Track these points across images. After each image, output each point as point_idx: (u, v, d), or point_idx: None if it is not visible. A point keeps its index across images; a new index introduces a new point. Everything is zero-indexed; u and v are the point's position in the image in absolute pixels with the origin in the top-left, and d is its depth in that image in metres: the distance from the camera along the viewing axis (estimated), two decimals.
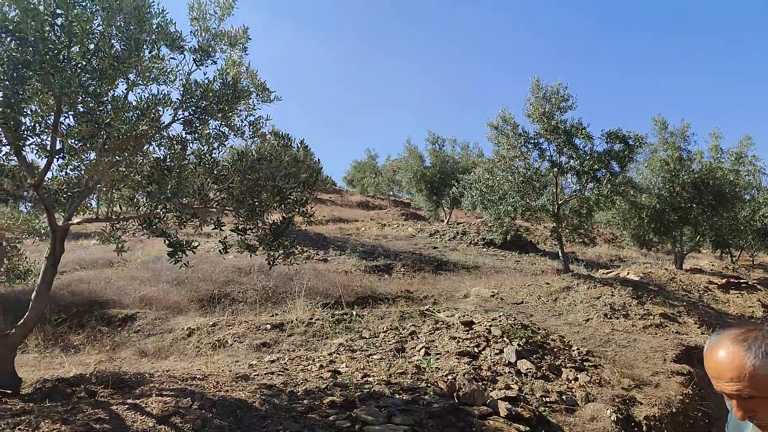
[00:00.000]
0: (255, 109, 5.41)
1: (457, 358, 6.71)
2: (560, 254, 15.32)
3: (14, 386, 4.66)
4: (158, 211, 4.86)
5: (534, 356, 7.16)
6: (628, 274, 15.64)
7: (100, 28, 4.30)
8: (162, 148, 5.27)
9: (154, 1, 4.57)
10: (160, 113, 4.93)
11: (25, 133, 4.27)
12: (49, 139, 4.44)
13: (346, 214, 30.35)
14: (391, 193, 42.48)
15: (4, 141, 4.32)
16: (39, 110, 4.47)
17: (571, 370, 7.02)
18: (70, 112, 4.44)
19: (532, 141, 14.35)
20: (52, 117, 4.40)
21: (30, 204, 5.47)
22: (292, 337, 7.71)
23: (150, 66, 4.89)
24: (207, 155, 5.24)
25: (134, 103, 4.74)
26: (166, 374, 5.48)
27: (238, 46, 5.30)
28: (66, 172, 5.02)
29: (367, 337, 7.62)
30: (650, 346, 8.76)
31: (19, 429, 3.76)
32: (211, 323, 8.25)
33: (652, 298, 11.88)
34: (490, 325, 8.00)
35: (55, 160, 4.57)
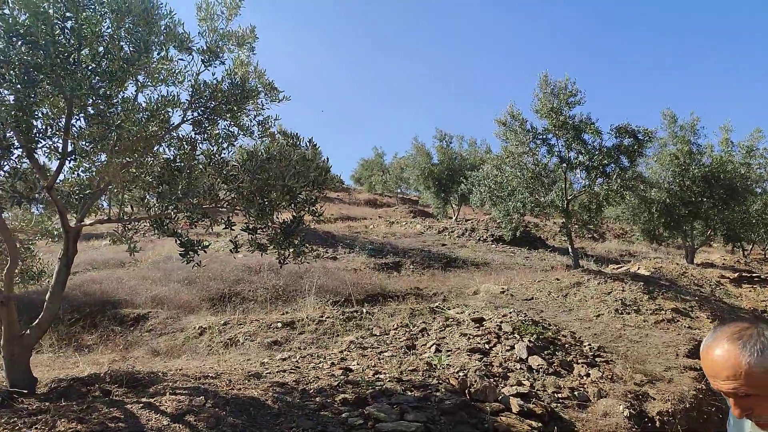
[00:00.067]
0: (263, 109, 5.44)
1: (468, 355, 6.71)
2: (570, 250, 15.25)
3: (30, 386, 4.71)
4: (169, 211, 4.89)
5: (545, 352, 7.15)
6: (638, 269, 15.54)
7: (109, 30, 4.33)
8: (172, 148, 5.30)
9: (162, 3, 4.60)
10: (170, 114, 4.97)
11: (37, 135, 4.31)
12: (61, 141, 4.47)
13: (354, 212, 30.38)
14: (399, 190, 42.43)
15: (16, 144, 4.36)
16: (50, 113, 4.51)
17: (582, 366, 6.99)
18: (80, 115, 4.47)
19: (541, 137, 14.28)
20: (63, 119, 4.43)
21: (42, 206, 5.51)
22: (303, 335, 7.74)
23: (159, 67, 4.93)
24: (216, 155, 5.26)
25: (144, 105, 4.77)
26: (179, 373, 5.52)
27: (246, 46, 5.32)
28: (78, 173, 5.07)
29: (378, 334, 7.64)
30: (662, 341, 8.71)
31: (36, 428, 3.81)
32: (222, 322, 8.30)
33: (664, 293, 11.80)
34: (501, 322, 7.98)
35: (66, 162, 4.61)
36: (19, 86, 3.89)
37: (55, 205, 4.79)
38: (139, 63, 4.36)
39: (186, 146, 5.23)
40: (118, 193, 5.42)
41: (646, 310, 10.61)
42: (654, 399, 6.49)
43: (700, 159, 17.03)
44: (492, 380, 6.03)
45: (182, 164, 5.13)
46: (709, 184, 16.49)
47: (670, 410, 6.31)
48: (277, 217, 5.26)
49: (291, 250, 5.34)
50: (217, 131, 5.33)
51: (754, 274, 15.94)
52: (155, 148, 5.12)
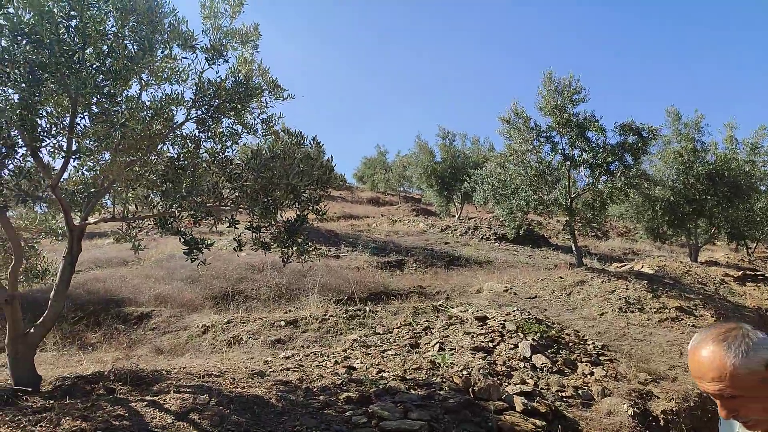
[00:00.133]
0: (267, 107, 5.44)
1: (472, 353, 6.70)
2: (573, 248, 15.22)
3: (34, 384, 4.72)
4: (173, 209, 4.89)
5: (549, 351, 7.14)
6: (642, 267, 15.50)
7: (113, 29, 4.33)
8: (176, 147, 5.30)
9: (165, 1, 4.59)
10: (174, 112, 4.97)
11: (42, 134, 4.32)
12: (65, 140, 4.48)
13: (356, 211, 30.37)
14: (402, 189, 42.39)
15: (21, 142, 4.36)
16: (54, 112, 4.52)
17: (586, 365, 6.98)
18: (85, 113, 4.47)
19: (545, 134, 14.24)
20: (68, 118, 4.43)
21: (45, 204, 5.52)
22: (306, 333, 7.75)
23: (163, 66, 4.93)
24: (220, 153, 5.26)
25: (148, 103, 4.78)
26: (183, 371, 5.53)
27: (250, 44, 5.31)
28: (82, 172, 5.08)
29: (381, 332, 7.64)
30: (666, 340, 8.69)
31: (41, 426, 3.82)
32: (225, 320, 8.31)
33: (668, 292, 11.77)
34: (504, 320, 7.97)
35: (71, 160, 4.61)
36: (23, 85, 3.89)
37: (59, 204, 4.79)
38: (143, 61, 4.36)
39: (190, 144, 5.23)
40: (122, 192, 5.42)
41: (650, 308, 10.58)
42: (658, 398, 6.48)
43: (704, 156, 16.95)
44: (496, 379, 6.02)
45: (186, 162, 5.13)
46: (713, 181, 16.43)
47: (674, 409, 6.30)
48: (281, 216, 5.26)
49: (294, 248, 5.34)
50: (221, 129, 5.34)
51: (759, 273, 15.88)
52: (159, 147, 5.12)
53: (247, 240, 5.56)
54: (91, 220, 5.17)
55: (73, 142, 4.50)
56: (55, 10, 3.92)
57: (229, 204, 5.08)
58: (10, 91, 4.07)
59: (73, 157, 4.55)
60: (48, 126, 4.36)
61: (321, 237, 17.18)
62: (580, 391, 6.19)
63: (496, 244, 20.14)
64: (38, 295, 8.41)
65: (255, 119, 5.46)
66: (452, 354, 6.71)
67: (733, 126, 17.74)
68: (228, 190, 5.11)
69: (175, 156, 5.22)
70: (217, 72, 5.17)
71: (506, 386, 5.88)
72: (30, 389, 4.61)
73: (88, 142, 4.66)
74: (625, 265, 16.79)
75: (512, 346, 7.06)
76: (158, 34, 4.58)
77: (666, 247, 23.43)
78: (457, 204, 27.86)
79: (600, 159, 13.59)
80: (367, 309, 8.86)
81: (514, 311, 8.59)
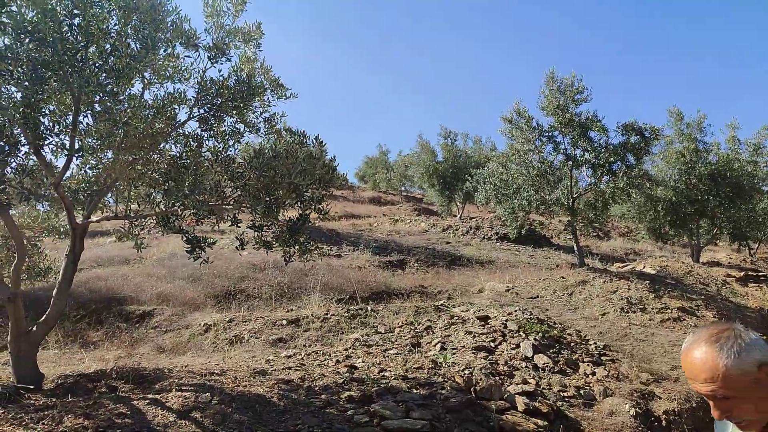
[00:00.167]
0: (270, 106, 5.43)
1: (474, 353, 6.70)
2: (575, 248, 15.20)
3: (37, 382, 4.73)
4: (175, 208, 4.89)
5: (551, 351, 7.13)
6: (644, 267, 15.48)
7: (116, 27, 4.34)
8: (178, 145, 5.31)
9: None
10: (176, 111, 4.98)
11: (45, 132, 4.32)
12: (68, 138, 4.48)
13: (358, 210, 30.36)
14: (403, 188, 42.38)
15: (24, 141, 4.37)
16: (57, 110, 4.52)
17: (588, 365, 6.97)
18: (87, 112, 4.48)
19: (547, 134, 14.22)
20: (71, 116, 4.44)
21: (48, 203, 5.53)
22: (308, 332, 7.75)
23: (165, 64, 4.94)
24: (223, 152, 5.26)
25: (150, 102, 4.78)
26: (185, 369, 5.53)
27: (252, 42, 5.31)
28: (84, 170, 5.08)
29: (383, 332, 7.64)
30: (668, 340, 8.67)
31: (43, 423, 3.82)
32: (227, 319, 8.32)
33: (670, 292, 11.75)
34: (506, 320, 7.97)
35: (73, 159, 4.62)
36: (26, 83, 3.89)
37: (62, 202, 4.80)
38: (146, 60, 4.37)
39: (192, 143, 5.24)
40: (125, 190, 5.43)
41: (652, 308, 10.57)
42: (660, 398, 6.47)
43: (706, 157, 16.90)
44: (497, 378, 6.01)
45: (188, 161, 5.14)
46: (715, 182, 16.38)
47: (676, 409, 6.28)
48: (283, 215, 5.26)
49: (296, 247, 5.34)
50: (224, 128, 5.34)
51: (761, 273, 15.85)
52: (161, 145, 5.12)
53: (249, 239, 5.56)
54: (93, 218, 5.18)
55: (76, 141, 4.50)
56: (58, 8, 3.92)
57: (231, 203, 5.09)
58: (13, 89, 4.07)
59: (76, 155, 4.56)
60: (51, 124, 4.36)
61: (323, 236, 17.19)
62: (581, 391, 6.18)
63: (498, 243, 20.12)
64: (40, 293, 8.43)
65: (257, 118, 5.47)
66: (454, 353, 6.71)
67: (736, 126, 17.70)
68: (230, 189, 5.11)
69: (178, 155, 5.22)
70: (219, 70, 5.18)
71: (508, 386, 5.87)
72: (32, 387, 4.62)
73: (90, 140, 4.66)
74: (626, 266, 16.77)
75: (514, 346, 7.06)
76: (161, 32, 4.58)
77: (668, 248, 23.39)
78: (458, 204, 27.85)
79: (602, 159, 13.57)
80: (369, 308, 8.85)
81: (515, 311, 8.59)
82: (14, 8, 3.79)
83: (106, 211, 5.69)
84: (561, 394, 6.02)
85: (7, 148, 4.24)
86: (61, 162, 4.74)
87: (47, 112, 4.37)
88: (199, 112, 5.15)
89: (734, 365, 1.36)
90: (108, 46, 4.29)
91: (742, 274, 15.50)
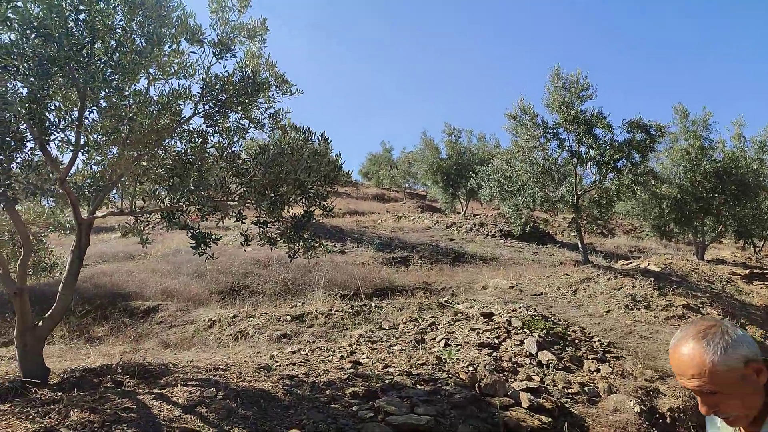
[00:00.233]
0: (275, 102, 5.43)
1: (478, 350, 6.70)
2: (579, 245, 15.17)
3: (43, 376, 4.75)
4: (180, 204, 4.90)
5: (555, 347, 7.12)
6: (648, 265, 15.44)
7: (121, 23, 4.34)
8: (183, 141, 5.31)
9: None
10: (181, 107, 4.98)
11: (50, 128, 4.33)
12: (74, 134, 4.49)
13: (362, 207, 30.37)
14: (407, 185, 42.38)
15: (30, 136, 4.38)
16: (63, 105, 4.53)
17: (592, 362, 6.97)
18: (93, 107, 4.49)
19: (551, 131, 14.18)
20: (76, 112, 4.45)
21: (53, 198, 5.54)
22: (312, 328, 7.76)
23: (170, 60, 4.94)
24: (228, 148, 5.26)
25: (155, 98, 4.79)
26: (190, 365, 5.55)
27: (257, 38, 5.30)
28: (90, 166, 5.10)
29: (387, 328, 7.64)
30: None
31: (50, 417, 3.84)
32: (231, 315, 8.34)
33: (674, 289, 11.72)
34: (510, 317, 7.96)
35: (79, 154, 4.63)
36: (32, 79, 3.90)
37: (67, 198, 4.81)
38: (151, 56, 4.37)
39: (197, 139, 5.24)
40: (130, 186, 5.44)
41: (657, 306, 10.54)
42: (665, 395, 6.46)
43: (711, 154, 16.83)
44: (502, 375, 6.02)
45: (193, 157, 5.14)
46: (720, 179, 16.31)
47: (681, 407, 6.28)
48: (288, 211, 5.26)
49: (301, 244, 5.35)
50: (229, 124, 5.34)
51: (766, 271, 15.79)
52: (166, 141, 5.13)
53: (254, 235, 5.56)
54: (99, 213, 5.19)
55: (81, 136, 4.51)
56: (63, 4, 3.92)
57: (236, 199, 5.09)
58: (19, 84, 4.08)
59: (81, 150, 4.57)
60: (56, 120, 4.37)
61: (326, 233, 17.20)
62: (586, 388, 6.17)
63: (502, 240, 20.10)
64: (46, 289, 8.47)
65: (262, 114, 5.46)
66: (458, 350, 6.71)
67: (741, 124, 17.60)
68: (235, 185, 5.11)
69: (183, 150, 5.23)
70: (224, 66, 5.19)
71: (512, 382, 5.87)
72: (38, 381, 4.64)
73: (96, 136, 4.68)
74: (631, 263, 16.74)
75: (518, 343, 7.05)
76: (166, 28, 4.58)
77: (672, 245, 23.31)
78: (462, 201, 27.84)
79: (607, 156, 13.53)
80: (373, 304, 8.86)
81: (519, 308, 8.58)
82: (20, 4, 3.79)
83: (112, 207, 5.71)
84: (565, 390, 6.01)
85: (13, 144, 4.25)
86: (66, 157, 4.76)
87: (53, 107, 4.38)
88: (204, 108, 5.15)
89: (721, 361, 1.38)
90: (113, 41, 4.29)
91: (747, 271, 15.45)
